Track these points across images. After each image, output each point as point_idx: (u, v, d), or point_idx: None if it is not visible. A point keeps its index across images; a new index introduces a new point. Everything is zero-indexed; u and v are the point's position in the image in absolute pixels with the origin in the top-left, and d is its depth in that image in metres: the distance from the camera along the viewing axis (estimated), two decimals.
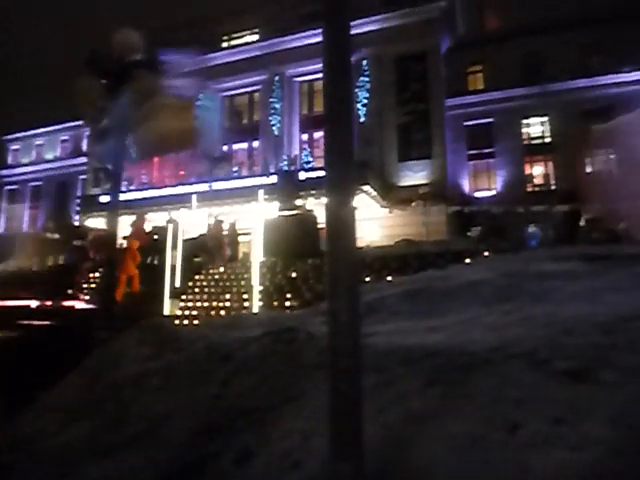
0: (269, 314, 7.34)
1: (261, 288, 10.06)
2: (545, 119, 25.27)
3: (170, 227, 11.59)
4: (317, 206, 14.40)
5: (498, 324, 3.33)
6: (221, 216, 16.17)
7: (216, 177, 21.48)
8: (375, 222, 20.66)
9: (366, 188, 18.69)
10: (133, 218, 14.22)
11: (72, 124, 34.22)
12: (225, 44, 28.65)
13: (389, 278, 8.39)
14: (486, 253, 9.61)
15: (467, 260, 8.68)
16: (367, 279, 9.22)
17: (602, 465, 1.72)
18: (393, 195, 20.76)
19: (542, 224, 22.27)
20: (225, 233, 14.05)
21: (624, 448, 1.75)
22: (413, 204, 17.87)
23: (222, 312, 10.17)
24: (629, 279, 4.51)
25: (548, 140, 25.25)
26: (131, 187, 25.96)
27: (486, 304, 4.13)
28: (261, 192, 11.85)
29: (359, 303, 1.94)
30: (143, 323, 4.30)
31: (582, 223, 14.72)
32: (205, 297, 11.31)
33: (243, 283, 10.78)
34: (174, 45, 26.27)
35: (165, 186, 23.94)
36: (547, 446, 1.87)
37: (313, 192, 16.68)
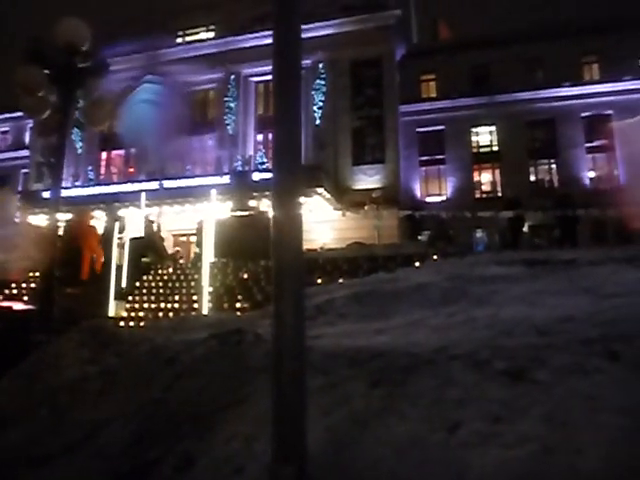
0: (218, 316, 7.22)
1: (211, 289, 9.88)
2: (493, 128, 26.29)
3: (116, 225, 11.20)
4: (271, 207, 14.23)
5: (442, 326, 3.42)
6: (172, 215, 15.82)
7: (167, 175, 20.95)
8: (328, 224, 20.81)
9: (320, 190, 18.80)
10: (76, 215, 13.59)
11: (13, 115, 32.43)
12: (180, 39, 28.05)
13: (340, 280, 8.45)
14: (435, 257, 9.86)
15: (416, 263, 8.86)
16: (319, 281, 9.26)
17: (535, 462, 1.79)
18: (347, 198, 20.97)
19: (489, 229, 23.17)
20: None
21: (555, 445, 1.83)
22: (366, 207, 18.13)
23: (170, 314, 9.90)
24: (565, 282, 4.74)
25: (495, 148, 26.27)
26: (77, 183, 24.90)
27: (432, 306, 4.22)
28: (214, 192, 11.65)
29: (304, 306, 1.94)
30: (83, 325, 4.12)
31: (525, 229, 15.38)
32: (153, 298, 10.98)
33: (193, 284, 10.55)
34: (127, 38, 25.51)
35: (113, 183, 23.13)
36: (485, 445, 1.92)
37: (267, 193, 16.56)
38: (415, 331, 3.44)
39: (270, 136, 24.66)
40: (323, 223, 20.56)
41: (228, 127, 24.81)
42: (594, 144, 24.64)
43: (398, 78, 24.85)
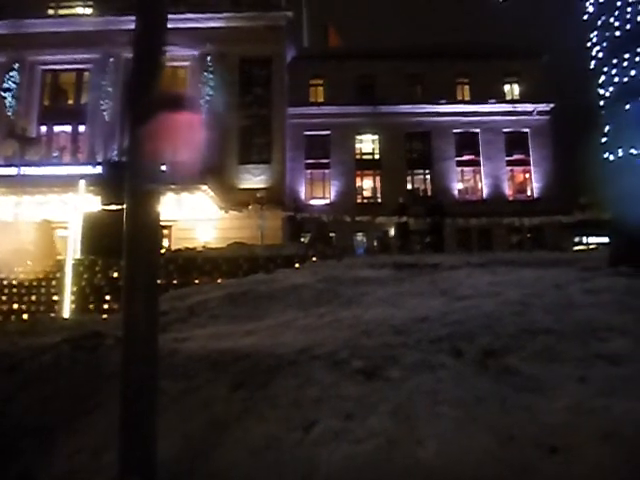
0: (81, 318, 6.68)
1: (75, 289, 9.05)
2: (375, 137, 27.67)
3: None
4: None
5: (311, 326, 3.49)
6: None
7: (28, 161, 18.80)
8: (212, 223, 20.30)
9: (204, 188, 18.25)
10: None
11: None
12: (51, 11, 25.38)
13: (219, 280, 8.28)
14: (314, 258, 10.07)
15: (296, 265, 8.98)
16: (196, 281, 8.97)
17: (380, 455, 1.90)
18: (231, 197, 20.63)
19: (368, 233, 24.34)
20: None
21: (399, 438, 1.96)
22: (250, 207, 17.99)
23: (25, 316, 8.89)
24: (427, 285, 5.12)
25: (377, 157, 27.68)
26: None
27: (304, 307, 4.30)
28: (82, 182, 10.69)
29: (158, 308, 1.85)
30: None
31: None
32: (4, 299, 9.73)
33: (54, 283, 9.57)
34: None
35: None
36: (337, 441, 2.00)
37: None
38: (284, 332, 3.48)
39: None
40: (206, 222, 19.99)
41: (104, 113, 22.99)
42: (463, 158, 27.13)
43: (287, 80, 25.08)
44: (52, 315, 8.60)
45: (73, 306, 8.73)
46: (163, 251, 11.10)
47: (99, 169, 16.04)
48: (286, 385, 2.40)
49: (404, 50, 27.57)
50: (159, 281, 1.95)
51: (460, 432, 1.98)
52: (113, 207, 9.76)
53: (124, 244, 1.78)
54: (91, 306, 8.82)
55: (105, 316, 6.69)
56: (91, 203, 11.35)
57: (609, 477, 1.69)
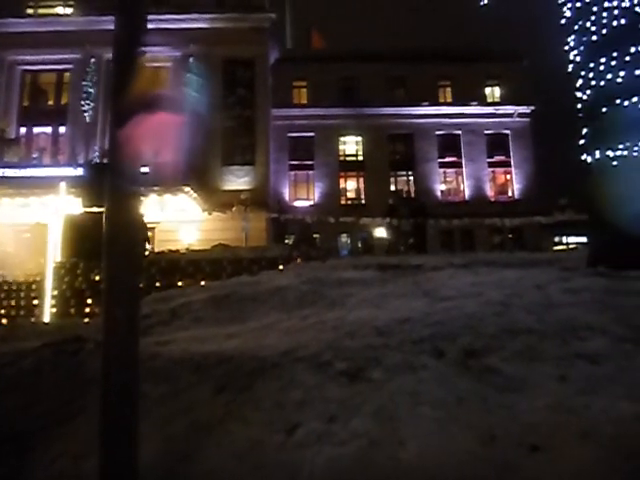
0: (62, 322, 6.58)
1: (56, 293, 8.91)
2: (359, 139, 27.78)
3: None
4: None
5: (294, 328, 3.49)
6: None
7: (7, 163, 18.45)
8: (194, 225, 20.15)
9: (187, 189, 18.12)
10: None
11: None
12: (31, 11, 24.95)
13: (203, 282, 8.23)
14: (299, 260, 10.08)
15: (280, 267, 8.97)
16: (180, 283, 8.91)
17: (362, 456, 1.91)
18: (215, 199, 20.52)
19: (352, 235, 24.43)
20: None
21: (381, 439, 1.97)
22: (234, 209, 17.89)
23: (4, 321, 8.73)
24: (410, 286, 5.15)
25: (360, 158, 27.78)
26: None
27: (288, 309, 4.30)
28: (63, 184, 10.52)
29: (139, 311, 1.84)
30: None
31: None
32: None
33: (34, 287, 9.41)
34: None
35: None
36: (320, 444, 2.00)
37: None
38: (268, 334, 3.48)
39: None
40: (189, 223, 19.84)
41: (85, 114, 22.67)
42: (445, 160, 27.38)
43: (271, 81, 25.04)
44: (32, 320, 8.46)
45: (54, 310, 8.60)
46: (146, 253, 11.00)
47: (80, 171, 15.82)
48: (269, 387, 2.40)
49: (387, 53, 27.73)
50: (141, 284, 1.94)
51: (442, 432, 2.00)
52: (95, 209, 9.62)
53: (104, 246, 1.76)
54: (72, 310, 8.69)
55: (87, 320, 6.60)
56: (72, 205, 11.19)
57: (589, 475, 1.73)
